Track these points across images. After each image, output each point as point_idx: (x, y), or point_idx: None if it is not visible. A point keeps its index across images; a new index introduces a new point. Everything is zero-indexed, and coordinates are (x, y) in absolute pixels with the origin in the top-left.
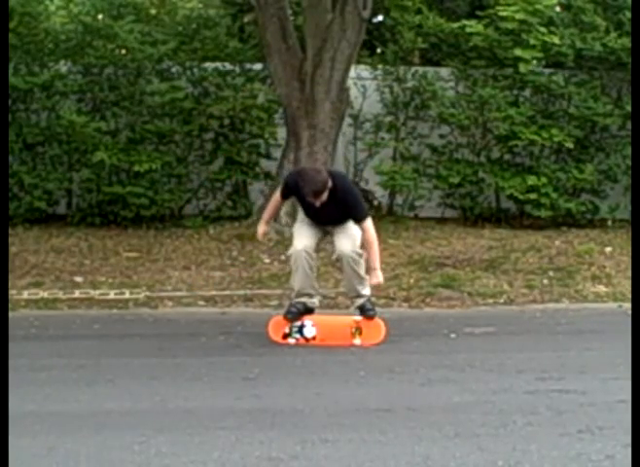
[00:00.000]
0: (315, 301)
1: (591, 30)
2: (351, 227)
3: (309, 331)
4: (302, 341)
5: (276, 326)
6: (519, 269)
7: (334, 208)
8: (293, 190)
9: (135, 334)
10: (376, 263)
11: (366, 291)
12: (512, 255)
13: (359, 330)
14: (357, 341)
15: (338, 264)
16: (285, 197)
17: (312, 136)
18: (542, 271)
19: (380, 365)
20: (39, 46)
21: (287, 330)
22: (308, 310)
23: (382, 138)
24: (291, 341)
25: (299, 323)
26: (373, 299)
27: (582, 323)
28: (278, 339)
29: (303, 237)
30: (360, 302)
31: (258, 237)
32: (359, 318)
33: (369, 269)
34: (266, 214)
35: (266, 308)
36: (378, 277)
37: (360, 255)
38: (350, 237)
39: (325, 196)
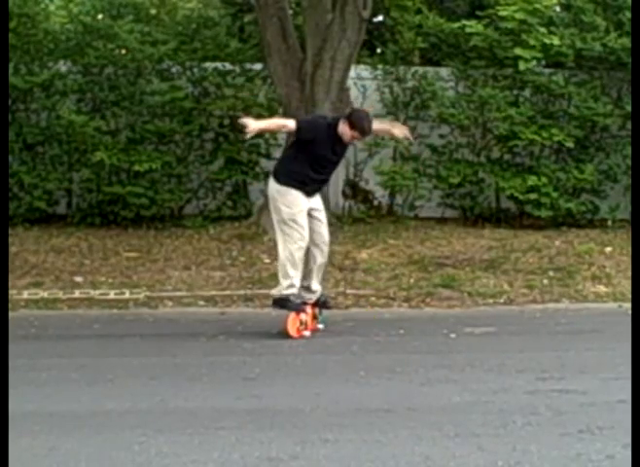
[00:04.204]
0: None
1: (591, 30)
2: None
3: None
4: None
5: (293, 322)
6: (519, 269)
7: (342, 150)
8: (319, 131)
9: (135, 334)
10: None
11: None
12: (512, 255)
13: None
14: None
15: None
16: (304, 136)
17: None
18: (542, 271)
19: (380, 365)
20: (38, 46)
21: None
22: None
23: (382, 138)
24: (306, 333)
25: (304, 315)
26: (373, 299)
27: (582, 323)
28: (294, 333)
29: (304, 229)
30: (320, 294)
31: (244, 124)
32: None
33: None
34: (267, 125)
35: (265, 308)
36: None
37: None
38: (327, 228)
39: None
